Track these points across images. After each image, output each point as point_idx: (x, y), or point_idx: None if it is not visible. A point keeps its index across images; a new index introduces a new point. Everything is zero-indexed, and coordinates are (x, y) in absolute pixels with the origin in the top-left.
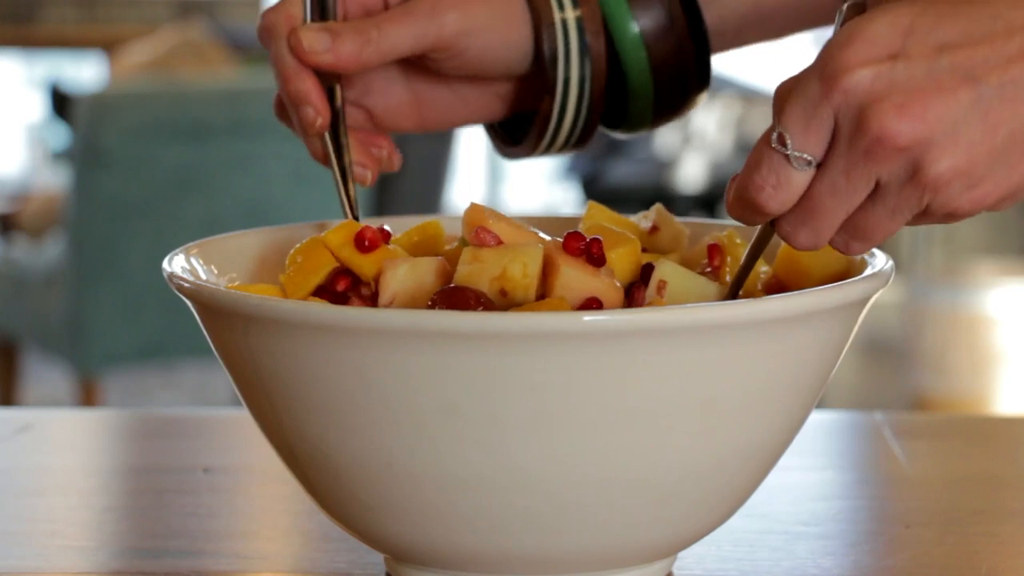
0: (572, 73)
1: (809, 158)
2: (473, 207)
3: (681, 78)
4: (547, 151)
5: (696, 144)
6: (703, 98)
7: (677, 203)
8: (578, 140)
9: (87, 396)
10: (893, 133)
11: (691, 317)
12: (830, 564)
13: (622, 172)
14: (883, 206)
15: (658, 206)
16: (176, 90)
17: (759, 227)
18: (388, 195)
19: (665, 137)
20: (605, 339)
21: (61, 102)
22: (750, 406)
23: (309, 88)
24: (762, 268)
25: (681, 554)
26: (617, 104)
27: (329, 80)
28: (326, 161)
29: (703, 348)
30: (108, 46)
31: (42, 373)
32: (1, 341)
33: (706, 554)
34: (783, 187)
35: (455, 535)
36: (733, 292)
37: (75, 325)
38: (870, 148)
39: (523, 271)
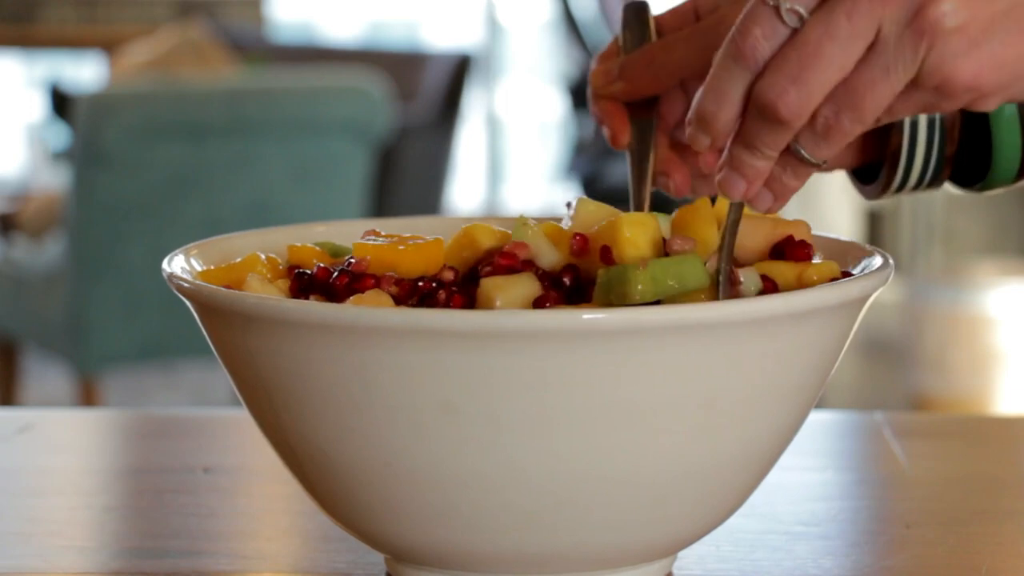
0: (920, 127)
1: (800, 9)
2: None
3: None
4: (899, 191)
5: None
6: None
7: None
8: (931, 181)
9: (87, 396)
10: None
11: (690, 316)
12: (830, 564)
13: (622, 172)
14: (880, 59)
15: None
16: (176, 90)
17: (732, 205)
18: (388, 195)
19: None
20: (604, 338)
21: (61, 102)
22: (750, 405)
23: (602, 111)
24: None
25: (681, 554)
26: (974, 164)
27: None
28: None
29: (702, 347)
30: (108, 46)
31: (42, 373)
32: (1, 341)
33: (706, 554)
34: (772, 38)
35: (455, 535)
36: (725, 269)
37: (75, 325)
38: None
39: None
